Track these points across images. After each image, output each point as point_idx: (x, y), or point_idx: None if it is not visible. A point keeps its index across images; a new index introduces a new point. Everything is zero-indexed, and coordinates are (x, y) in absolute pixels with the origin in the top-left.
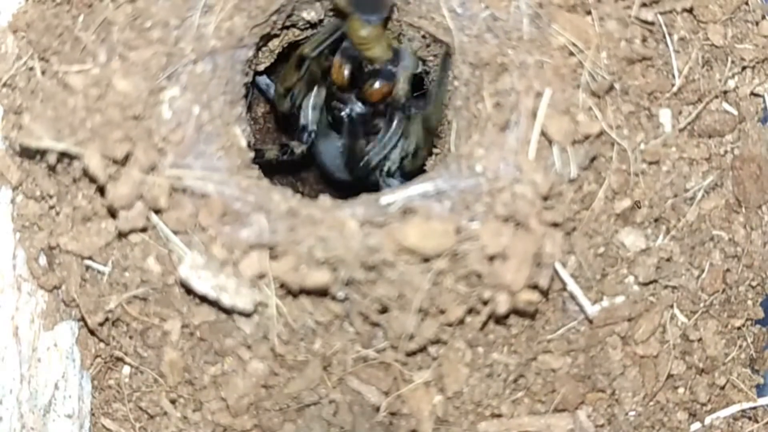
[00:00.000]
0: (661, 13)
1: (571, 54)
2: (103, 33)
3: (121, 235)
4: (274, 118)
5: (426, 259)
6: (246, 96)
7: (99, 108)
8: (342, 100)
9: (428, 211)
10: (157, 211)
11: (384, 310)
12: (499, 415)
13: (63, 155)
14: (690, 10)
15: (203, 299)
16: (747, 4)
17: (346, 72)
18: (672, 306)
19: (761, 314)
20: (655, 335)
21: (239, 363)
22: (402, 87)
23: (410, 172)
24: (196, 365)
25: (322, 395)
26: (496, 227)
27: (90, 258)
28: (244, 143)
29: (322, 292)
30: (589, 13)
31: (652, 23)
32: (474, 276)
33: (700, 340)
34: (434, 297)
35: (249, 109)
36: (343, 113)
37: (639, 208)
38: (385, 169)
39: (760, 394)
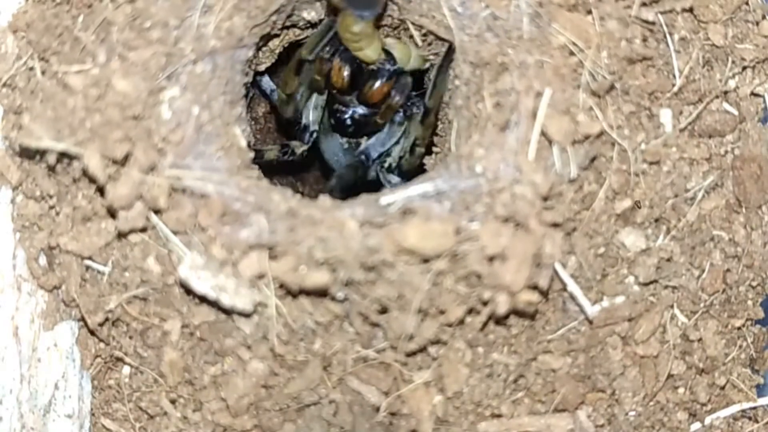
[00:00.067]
0: (661, 13)
1: (572, 53)
2: (102, 33)
3: (121, 235)
4: (274, 118)
5: (426, 260)
6: (246, 96)
7: (99, 108)
8: (343, 103)
9: (428, 212)
10: (157, 212)
11: (384, 311)
12: (499, 416)
13: (63, 155)
14: (690, 10)
15: (203, 299)
16: (747, 4)
17: (346, 74)
18: (672, 306)
19: (761, 314)
20: (655, 335)
21: (239, 363)
22: (398, 94)
23: (408, 171)
24: (196, 365)
25: (322, 395)
26: (495, 228)
27: (90, 258)
28: (243, 143)
29: (321, 293)
30: (589, 12)
31: (652, 23)
32: (474, 276)
33: (700, 340)
34: (434, 297)
35: (249, 109)
36: (345, 116)
37: (639, 208)
38: (386, 164)
39: (760, 394)
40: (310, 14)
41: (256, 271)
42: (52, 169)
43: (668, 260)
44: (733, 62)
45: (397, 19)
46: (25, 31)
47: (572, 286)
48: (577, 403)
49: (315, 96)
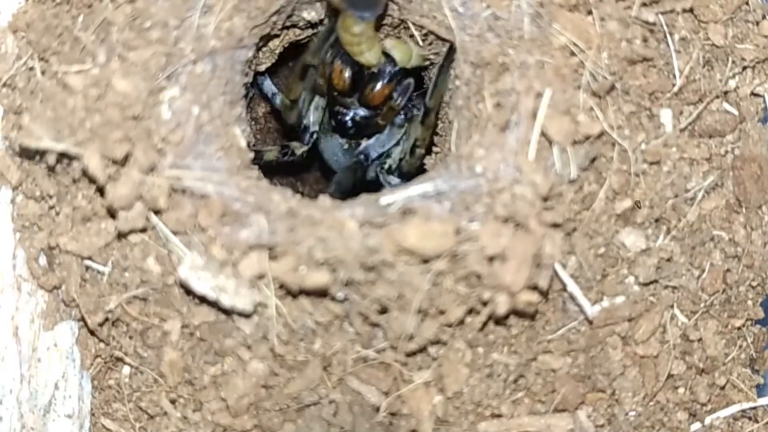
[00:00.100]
0: (661, 13)
1: (572, 54)
2: (102, 33)
3: (121, 235)
4: (275, 118)
5: (425, 260)
6: (246, 96)
7: (98, 108)
8: (344, 105)
9: (428, 212)
10: (157, 212)
11: (384, 311)
12: (499, 416)
13: (62, 155)
14: (691, 10)
15: (203, 300)
16: (747, 4)
17: (347, 76)
18: (672, 306)
19: (761, 314)
20: (656, 335)
21: (239, 363)
22: (400, 96)
23: (408, 172)
24: (196, 365)
25: (322, 395)
26: (495, 228)
27: (90, 258)
28: (243, 144)
29: (321, 293)
30: (590, 13)
31: (653, 23)
32: (473, 277)
33: (700, 340)
34: (434, 298)
35: (249, 109)
36: (346, 117)
37: (639, 208)
38: (386, 166)
39: (760, 394)
40: (310, 14)
41: (256, 271)
42: (52, 169)
43: (668, 260)
44: (733, 62)
45: (398, 19)
46: (25, 31)
47: (572, 287)
48: (577, 403)
49: (316, 97)
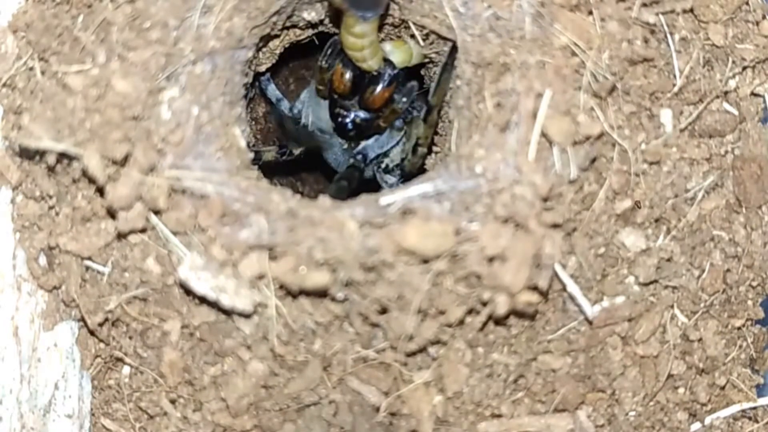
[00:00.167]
0: (662, 14)
1: (573, 54)
2: (102, 33)
3: (121, 235)
4: (274, 118)
5: (425, 260)
6: (246, 96)
7: (98, 108)
8: (345, 107)
9: (428, 212)
10: (157, 212)
11: (384, 311)
12: (499, 416)
13: (62, 156)
14: (691, 10)
15: (203, 300)
16: (748, 4)
17: (347, 79)
18: (672, 306)
19: (761, 314)
20: (656, 335)
21: (239, 363)
22: (402, 98)
23: (410, 172)
24: (196, 365)
25: (322, 395)
26: (495, 228)
27: (90, 258)
28: (243, 144)
29: (321, 293)
30: (591, 12)
31: (653, 24)
32: (473, 277)
33: (700, 340)
34: (434, 298)
35: (249, 109)
36: (347, 120)
37: (639, 208)
38: (384, 165)
39: (760, 394)
40: (311, 15)
41: (256, 271)
42: (51, 169)
43: (668, 260)
44: (733, 62)
45: (399, 19)
46: (25, 31)
47: (572, 287)
48: (577, 403)
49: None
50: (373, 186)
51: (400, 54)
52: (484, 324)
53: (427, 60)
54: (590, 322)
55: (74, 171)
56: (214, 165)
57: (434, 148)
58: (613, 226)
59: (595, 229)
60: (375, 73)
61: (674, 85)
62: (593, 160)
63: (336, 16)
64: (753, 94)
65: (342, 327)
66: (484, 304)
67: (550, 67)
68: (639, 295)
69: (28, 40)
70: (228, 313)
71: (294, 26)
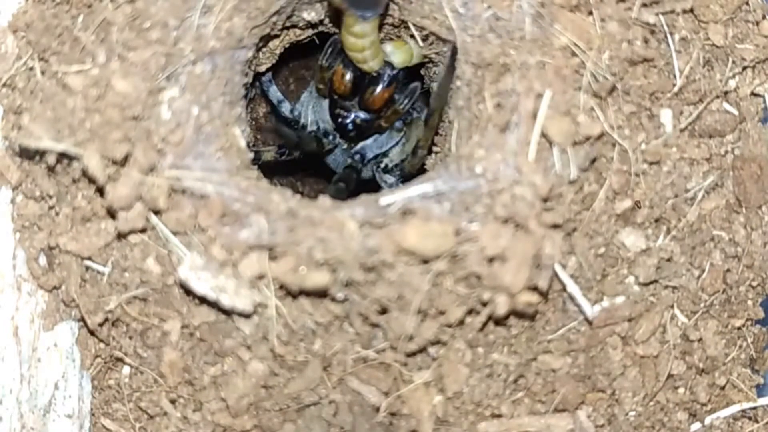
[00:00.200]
0: (662, 14)
1: (573, 54)
2: (102, 33)
3: (121, 235)
4: (274, 118)
5: (425, 261)
6: (246, 96)
7: (98, 108)
8: (345, 108)
9: (427, 213)
10: (157, 212)
11: (383, 311)
12: (499, 416)
13: (62, 156)
14: (691, 10)
15: (203, 300)
16: (748, 4)
17: (348, 79)
18: (672, 306)
19: (761, 314)
20: (656, 335)
21: (239, 363)
22: (405, 99)
23: (410, 173)
24: (196, 365)
25: (322, 395)
26: (495, 229)
27: (90, 258)
28: (243, 144)
29: (321, 293)
30: (591, 13)
31: (653, 24)
32: (473, 277)
33: (700, 340)
34: (434, 298)
35: (250, 109)
36: (347, 120)
37: (639, 208)
38: (382, 165)
39: (760, 394)
40: (310, 15)
41: (256, 271)
42: (51, 169)
43: (668, 260)
44: (733, 62)
45: (399, 19)
46: (25, 31)
47: (572, 287)
48: (577, 403)
49: (314, 98)
50: (373, 186)
51: (400, 54)
52: (484, 324)
53: (426, 60)
54: (590, 322)
55: (74, 171)
56: (214, 165)
57: (434, 149)
58: (613, 226)
59: (595, 229)
60: (375, 74)
61: (674, 85)
62: (593, 161)
63: (336, 16)
64: (753, 94)
65: (342, 327)
66: (484, 304)
67: (550, 67)
68: (639, 295)
69: (28, 40)
70: (228, 313)
71: (294, 26)
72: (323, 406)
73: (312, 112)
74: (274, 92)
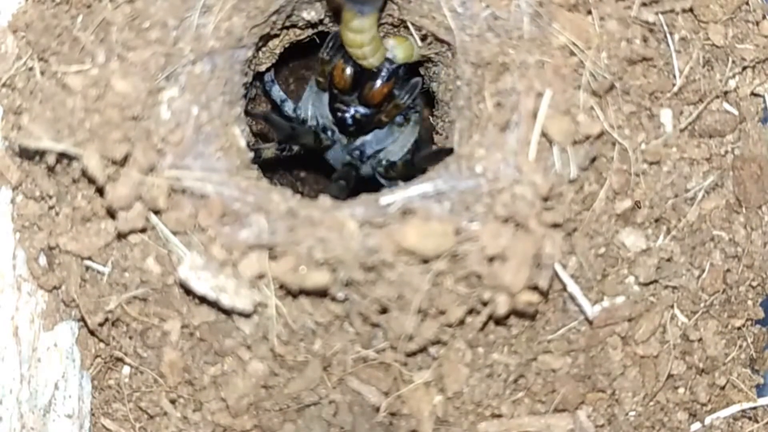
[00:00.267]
0: (661, 13)
1: (572, 54)
2: (101, 33)
3: (121, 235)
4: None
5: (425, 260)
6: (245, 96)
7: (98, 108)
8: (345, 103)
9: (428, 212)
10: (157, 212)
11: (384, 311)
12: (500, 416)
13: (62, 156)
14: (691, 10)
15: (203, 300)
16: (747, 3)
17: (348, 74)
18: (672, 306)
19: (761, 314)
20: (656, 335)
21: (239, 363)
22: (406, 94)
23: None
24: (196, 365)
25: (322, 395)
26: (495, 228)
27: (90, 258)
28: (243, 143)
29: (321, 293)
30: (589, 12)
31: (653, 23)
32: (474, 277)
33: (700, 340)
34: (434, 298)
35: (251, 109)
36: (347, 115)
37: (639, 208)
38: (382, 162)
39: (760, 394)
40: (310, 14)
41: (256, 271)
42: (51, 169)
43: (668, 260)
44: (733, 62)
45: (398, 18)
46: (24, 31)
47: (572, 287)
48: (577, 403)
49: (314, 92)
50: (374, 185)
51: (402, 50)
52: (485, 324)
53: (425, 59)
54: (590, 322)
55: (74, 171)
56: (214, 165)
57: (434, 148)
58: (613, 226)
59: (595, 229)
60: (375, 69)
61: (674, 84)
62: (593, 160)
63: (336, 15)
64: (753, 94)
65: (342, 327)
66: (485, 304)
67: (549, 66)
68: (639, 295)
69: (28, 40)
70: (228, 312)
71: (293, 26)
72: (323, 406)
73: (312, 106)
74: (277, 92)
